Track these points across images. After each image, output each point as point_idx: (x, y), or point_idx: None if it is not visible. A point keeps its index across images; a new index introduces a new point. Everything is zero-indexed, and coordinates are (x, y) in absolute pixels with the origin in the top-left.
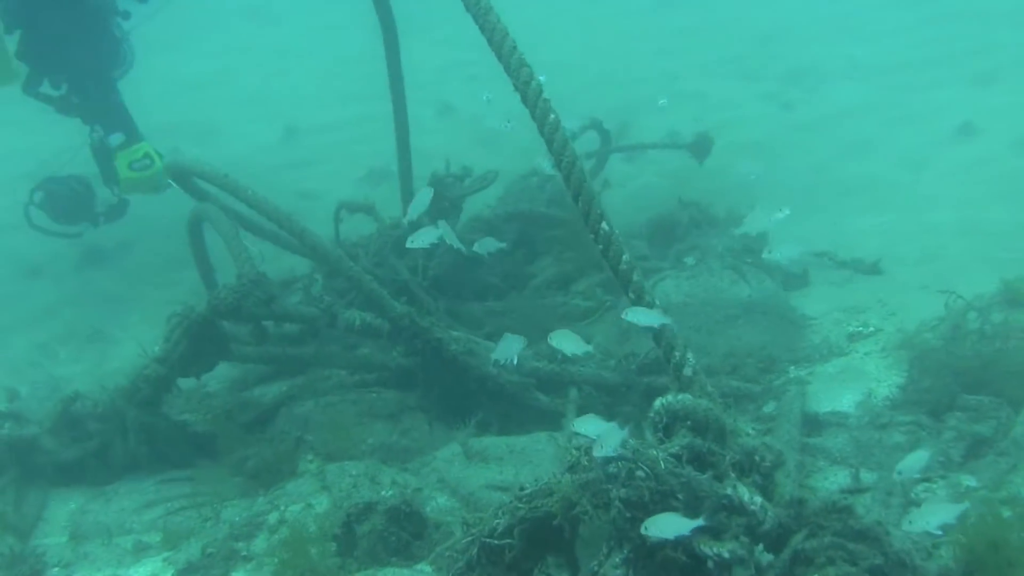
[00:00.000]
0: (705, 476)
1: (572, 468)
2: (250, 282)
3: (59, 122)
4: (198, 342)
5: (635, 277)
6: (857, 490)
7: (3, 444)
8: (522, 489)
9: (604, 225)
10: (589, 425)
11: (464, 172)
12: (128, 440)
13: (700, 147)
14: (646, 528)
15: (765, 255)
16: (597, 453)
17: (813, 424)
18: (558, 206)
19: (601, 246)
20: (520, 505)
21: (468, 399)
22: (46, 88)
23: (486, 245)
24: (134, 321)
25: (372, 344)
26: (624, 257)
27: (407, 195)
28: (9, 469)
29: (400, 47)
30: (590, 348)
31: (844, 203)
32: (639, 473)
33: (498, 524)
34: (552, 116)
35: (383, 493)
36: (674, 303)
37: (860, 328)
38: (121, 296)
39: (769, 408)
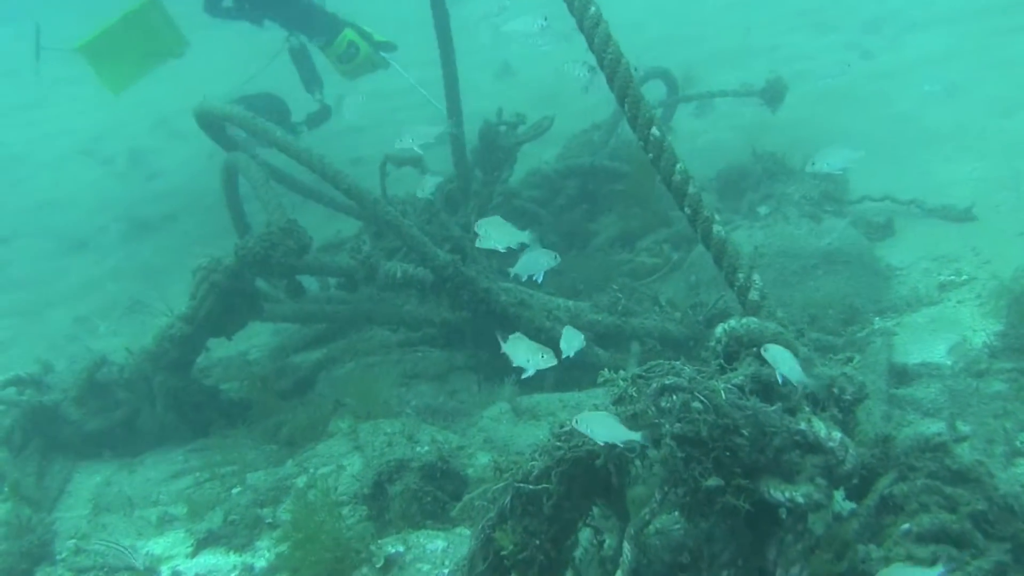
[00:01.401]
0: (774, 408)
1: (619, 400)
2: (280, 230)
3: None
4: (226, 297)
5: (691, 189)
6: (954, 439)
7: (24, 412)
8: (561, 426)
9: (654, 131)
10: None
11: (518, 120)
12: (155, 407)
13: (773, 93)
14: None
15: (808, 167)
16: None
17: (901, 376)
18: (621, 160)
19: (652, 155)
20: (559, 444)
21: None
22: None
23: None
24: (176, 293)
25: (417, 299)
26: (678, 167)
27: (460, 157)
28: (32, 439)
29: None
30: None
31: (931, 152)
32: (696, 405)
33: (534, 467)
34: (593, 9)
35: (419, 451)
36: (747, 253)
37: (952, 277)
38: (164, 268)
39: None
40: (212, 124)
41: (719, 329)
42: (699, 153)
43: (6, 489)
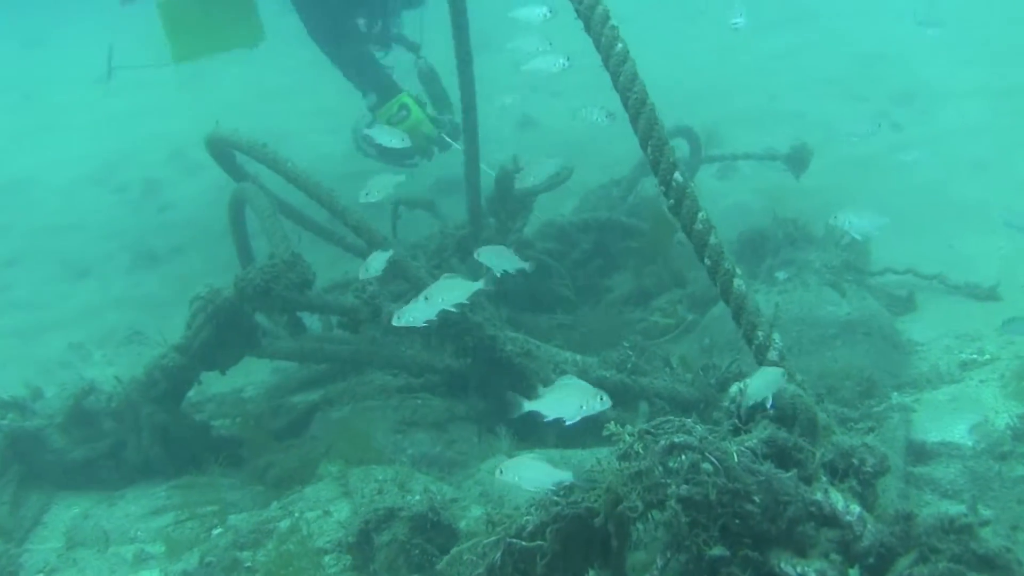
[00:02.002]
0: (789, 475)
1: (624, 456)
2: (283, 263)
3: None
4: (223, 329)
5: (712, 240)
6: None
7: (4, 437)
8: (559, 480)
9: (677, 176)
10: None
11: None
12: (141, 440)
13: (798, 159)
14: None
15: (831, 221)
16: None
17: (920, 454)
18: (639, 217)
19: (673, 201)
20: (556, 499)
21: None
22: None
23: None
24: (176, 326)
25: (420, 344)
26: (700, 215)
27: (474, 204)
28: (12, 466)
29: (473, 58)
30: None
31: (957, 226)
32: (706, 466)
33: (528, 521)
34: (620, 46)
35: (409, 499)
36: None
37: (975, 355)
38: (167, 300)
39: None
40: (222, 152)
41: (734, 388)
42: (720, 215)
43: None
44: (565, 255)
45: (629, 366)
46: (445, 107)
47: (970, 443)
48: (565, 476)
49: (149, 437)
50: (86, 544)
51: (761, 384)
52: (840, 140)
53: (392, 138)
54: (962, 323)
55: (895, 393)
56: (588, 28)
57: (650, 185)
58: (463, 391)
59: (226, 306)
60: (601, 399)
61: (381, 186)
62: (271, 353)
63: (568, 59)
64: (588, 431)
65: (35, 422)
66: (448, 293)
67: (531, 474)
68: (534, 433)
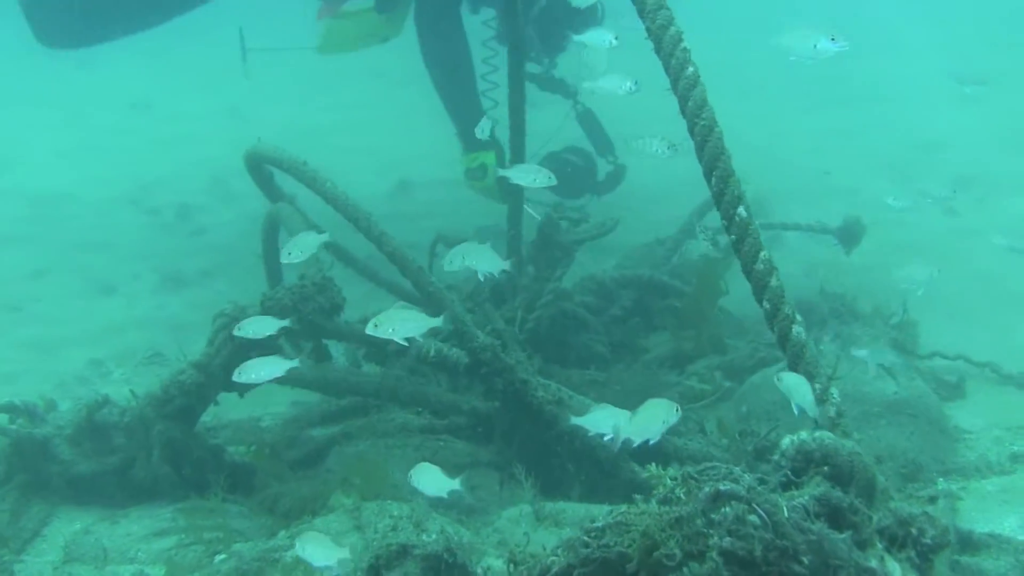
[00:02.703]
0: (843, 537)
1: (664, 501)
2: (313, 285)
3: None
4: (244, 349)
5: (773, 282)
6: None
7: (12, 443)
8: (592, 521)
9: (741, 211)
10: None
11: (580, 216)
12: (151, 457)
13: (850, 233)
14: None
15: (853, 351)
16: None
17: (966, 543)
18: (682, 279)
19: (734, 237)
20: (587, 540)
21: (550, 458)
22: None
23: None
24: (197, 350)
25: (447, 383)
26: (762, 255)
27: (515, 249)
28: (16, 474)
29: (526, 105)
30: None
31: (1013, 315)
32: (753, 519)
33: (554, 563)
34: (691, 69)
35: (425, 538)
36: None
37: None
38: (191, 324)
39: None
40: (260, 170)
41: (785, 441)
42: None
43: None
44: (603, 311)
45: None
46: (608, 151)
47: (1021, 537)
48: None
49: (159, 455)
50: (84, 560)
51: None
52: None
53: (533, 177)
54: (1014, 414)
55: (941, 479)
56: (658, 49)
57: (695, 248)
58: (488, 436)
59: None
60: (677, 409)
61: (304, 246)
62: (292, 379)
63: (636, 83)
64: (612, 489)
65: (43, 430)
66: (399, 324)
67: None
68: (559, 486)
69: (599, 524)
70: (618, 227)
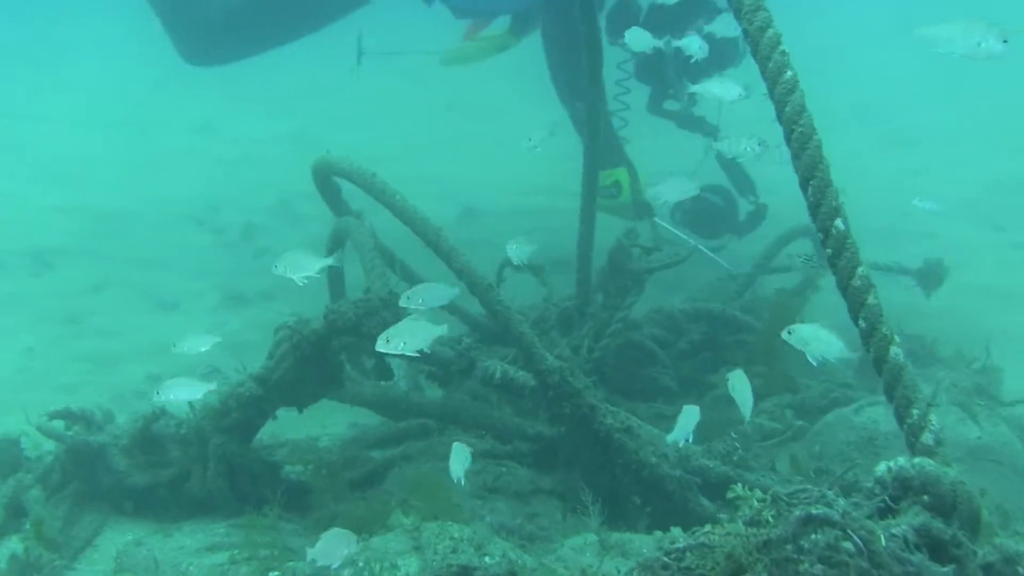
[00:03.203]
0: (946, 570)
1: (751, 523)
2: (379, 300)
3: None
4: (306, 363)
5: (870, 300)
6: None
7: (67, 451)
8: (672, 542)
9: (839, 223)
10: None
11: (654, 245)
12: (206, 471)
13: (931, 275)
14: None
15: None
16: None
17: None
18: (753, 315)
19: (831, 250)
20: (667, 560)
21: (615, 488)
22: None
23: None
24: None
25: (512, 408)
26: (859, 270)
27: (584, 276)
28: (70, 482)
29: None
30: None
31: None
32: (847, 546)
33: None
34: (789, 74)
35: (487, 560)
36: (883, 432)
37: None
38: (251, 343)
39: None
40: (328, 183)
41: (881, 467)
42: (841, 329)
43: (28, 527)
44: (671, 345)
45: (735, 458)
46: (749, 191)
47: None
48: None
49: (215, 469)
50: (135, 572)
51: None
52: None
53: (680, 191)
54: None
55: None
56: (755, 52)
57: (768, 284)
58: (551, 463)
59: (312, 338)
60: None
61: (299, 265)
62: (353, 397)
63: (746, 89)
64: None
65: (99, 438)
66: (409, 338)
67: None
68: (623, 518)
69: (680, 545)
70: (690, 258)
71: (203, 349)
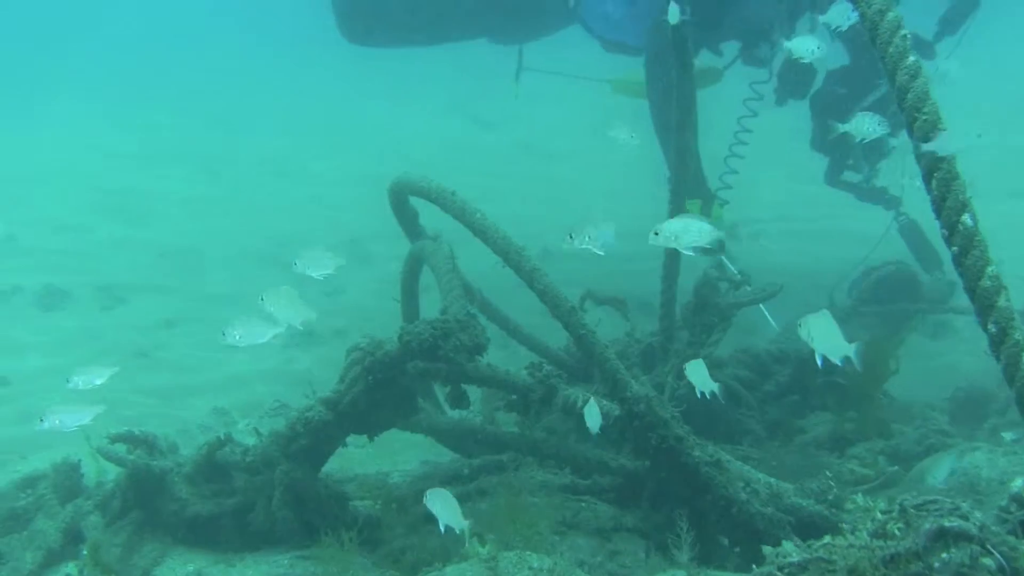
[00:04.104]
0: None
1: (876, 535)
2: (456, 322)
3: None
4: (379, 387)
5: (1001, 302)
6: None
7: (128, 478)
8: (784, 556)
9: (966, 219)
10: None
11: (743, 278)
12: (272, 500)
13: None
14: None
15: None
16: None
17: None
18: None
19: (956, 248)
20: (777, 573)
21: (702, 526)
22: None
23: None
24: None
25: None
26: (988, 270)
27: (668, 311)
28: (131, 510)
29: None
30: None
31: None
32: (987, 562)
33: None
34: (911, 59)
35: None
36: (984, 478)
37: None
38: (319, 379)
39: None
40: (404, 205)
41: (1018, 483)
42: (931, 374)
43: (85, 552)
44: (757, 386)
45: (830, 498)
46: (934, 266)
47: None
48: None
49: (280, 497)
50: None
51: None
52: None
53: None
54: None
55: None
56: (874, 37)
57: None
58: (635, 499)
59: (386, 360)
60: None
61: (317, 262)
62: (427, 427)
63: (821, 47)
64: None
65: (161, 463)
66: None
67: None
68: (710, 559)
69: (794, 559)
70: (780, 292)
71: (98, 383)
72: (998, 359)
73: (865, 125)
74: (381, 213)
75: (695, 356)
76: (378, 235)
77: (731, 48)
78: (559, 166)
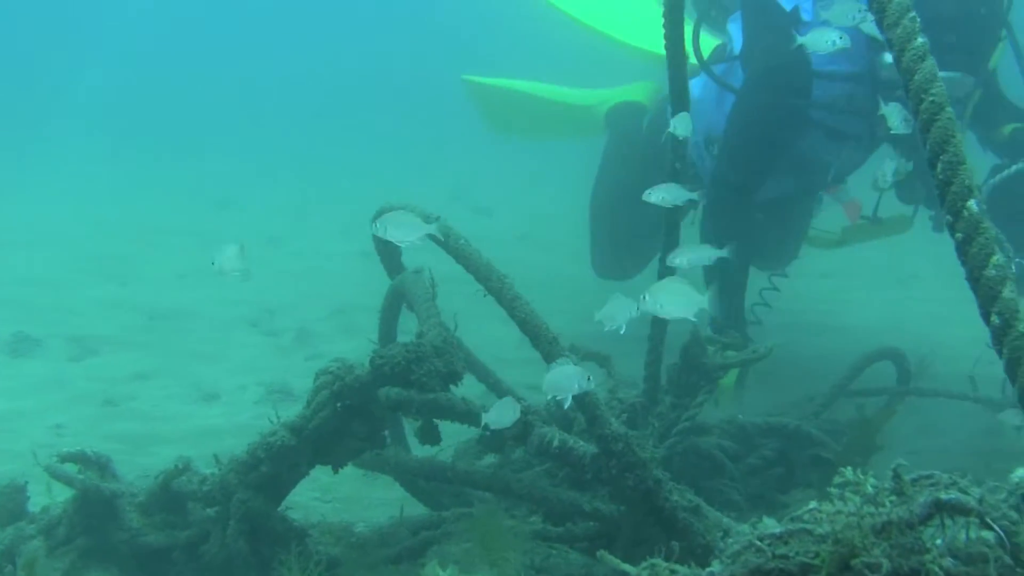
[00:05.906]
0: None
1: (868, 502)
2: (431, 347)
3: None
4: (347, 414)
5: (1005, 292)
6: None
7: (76, 504)
8: (765, 528)
9: (971, 204)
10: None
11: (733, 341)
12: (227, 530)
13: None
14: None
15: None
16: None
17: None
18: (832, 436)
19: (960, 235)
20: (761, 545)
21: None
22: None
23: None
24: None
25: (569, 483)
26: (994, 259)
27: (653, 372)
28: (78, 536)
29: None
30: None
31: None
32: (986, 535)
33: None
34: (920, 40)
35: None
36: None
37: None
38: None
39: None
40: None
41: (1020, 472)
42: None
43: (19, 573)
44: (741, 458)
45: None
46: None
47: None
48: None
49: (235, 527)
50: None
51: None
52: None
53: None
54: None
55: None
56: (880, 18)
57: (846, 409)
58: (609, 547)
59: (356, 386)
60: None
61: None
62: (395, 465)
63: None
64: None
65: (113, 485)
66: None
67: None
68: None
69: (776, 531)
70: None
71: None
72: (1000, 353)
73: None
74: (372, 289)
75: (678, 419)
76: (367, 308)
77: None
78: (554, 257)
